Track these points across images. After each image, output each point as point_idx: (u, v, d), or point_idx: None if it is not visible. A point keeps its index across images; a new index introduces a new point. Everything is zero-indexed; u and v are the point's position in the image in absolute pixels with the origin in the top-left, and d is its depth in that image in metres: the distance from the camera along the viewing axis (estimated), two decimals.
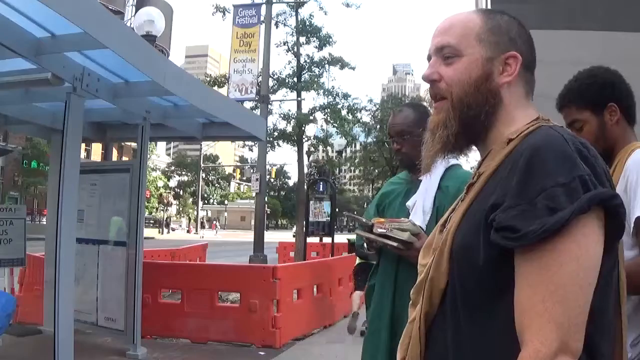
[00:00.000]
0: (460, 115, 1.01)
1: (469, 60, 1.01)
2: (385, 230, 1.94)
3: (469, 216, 0.94)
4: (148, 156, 9.53)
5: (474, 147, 1.08)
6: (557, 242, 0.80)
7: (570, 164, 0.83)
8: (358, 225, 2.17)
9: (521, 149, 0.90)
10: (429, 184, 2.18)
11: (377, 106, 28.87)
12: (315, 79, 17.68)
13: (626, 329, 0.96)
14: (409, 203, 2.20)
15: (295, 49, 17.71)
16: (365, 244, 2.21)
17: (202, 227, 54.69)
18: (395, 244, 1.91)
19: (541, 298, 0.80)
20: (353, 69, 18.33)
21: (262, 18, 16.07)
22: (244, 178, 62.23)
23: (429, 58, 1.06)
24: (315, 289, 6.86)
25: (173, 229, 53.27)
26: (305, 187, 17.25)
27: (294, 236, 20.30)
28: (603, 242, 0.83)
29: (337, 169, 40.75)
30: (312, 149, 22.00)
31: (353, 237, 2.58)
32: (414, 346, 0.99)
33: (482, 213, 0.89)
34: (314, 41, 17.72)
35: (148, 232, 28.46)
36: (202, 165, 56.16)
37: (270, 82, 16.79)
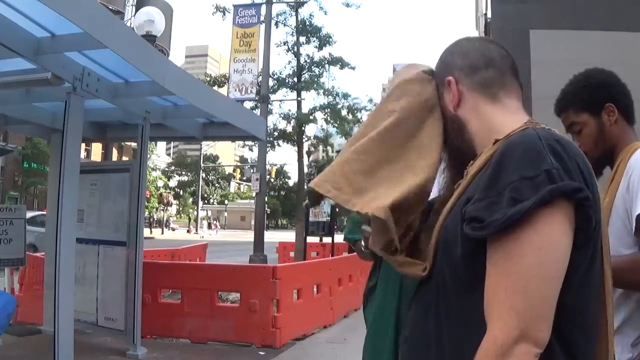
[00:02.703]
0: (449, 156, 1.12)
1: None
2: None
3: (452, 212, 0.97)
4: (148, 156, 9.54)
5: None
6: (520, 232, 0.82)
7: (539, 158, 0.85)
8: (361, 218, 2.13)
9: (498, 147, 0.93)
10: (433, 185, 2.17)
11: None
12: (315, 79, 17.68)
13: (611, 325, 0.97)
14: None
15: (295, 49, 17.71)
16: (362, 242, 2.18)
17: (209, 227, 54.01)
18: None
19: (504, 287, 0.82)
20: (353, 68, 18.33)
21: (262, 18, 16.08)
22: (244, 178, 62.16)
23: None
24: (315, 289, 6.86)
25: (173, 229, 53.23)
26: (305, 187, 17.25)
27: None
28: (571, 235, 0.84)
29: None
30: (312, 149, 22.03)
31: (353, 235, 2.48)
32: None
33: (461, 207, 0.93)
34: (314, 41, 17.72)
35: (148, 232, 28.38)
36: (202, 165, 56.14)
37: (270, 82, 16.79)
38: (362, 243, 2.18)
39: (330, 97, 17.79)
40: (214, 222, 66.58)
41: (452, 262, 0.92)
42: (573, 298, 0.86)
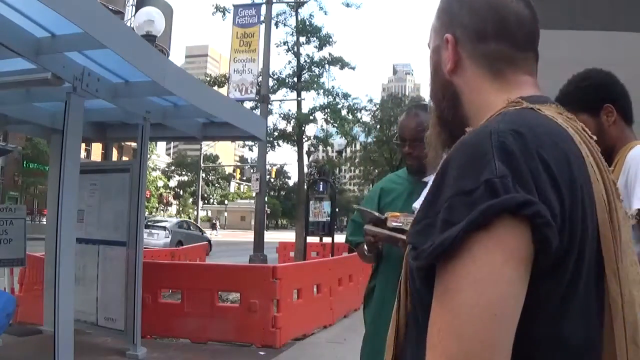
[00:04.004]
0: (434, 113, 0.95)
1: (429, 56, 0.94)
2: (400, 224, 1.88)
3: None
4: (148, 156, 9.53)
5: None
6: (454, 263, 0.66)
7: (481, 165, 0.67)
8: (363, 219, 2.12)
9: None
10: None
11: (377, 106, 28.91)
12: (315, 79, 17.70)
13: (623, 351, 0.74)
14: (415, 204, 2.17)
15: (295, 49, 17.73)
16: (365, 246, 2.17)
17: (213, 228, 53.20)
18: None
19: (438, 327, 0.66)
20: (353, 69, 18.35)
21: (262, 18, 16.07)
22: (244, 178, 62.19)
23: None
24: (315, 289, 6.86)
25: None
26: (305, 187, 17.26)
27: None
28: (522, 261, 0.65)
29: (337, 169, 40.76)
30: (312, 149, 22.01)
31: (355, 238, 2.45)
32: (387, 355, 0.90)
33: None
34: (314, 41, 17.74)
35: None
36: (202, 165, 56.13)
37: (270, 82, 16.80)
38: (365, 246, 2.17)
39: (330, 97, 17.81)
40: (214, 221, 66.62)
41: (416, 289, 0.77)
42: (549, 330, 0.69)
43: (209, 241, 20.90)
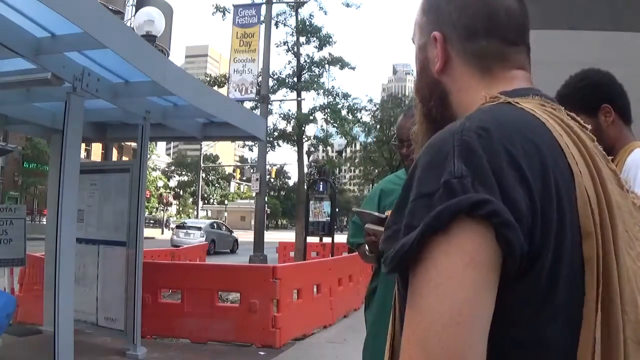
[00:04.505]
0: (420, 110, 0.92)
1: (415, 53, 0.91)
2: None
3: None
4: (148, 156, 9.53)
5: None
6: (417, 268, 0.64)
7: (442, 166, 0.65)
8: (363, 221, 2.11)
9: None
10: None
11: (377, 106, 28.90)
12: (315, 79, 17.72)
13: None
14: None
15: (295, 49, 17.74)
16: (366, 246, 2.17)
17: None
18: None
19: (406, 335, 0.64)
20: (353, 69, 18.36)
21: (262, 18, 16.09)
22: (244, 178, 62.18)
23: None
24: (315, 289, 6.86)
25: (173, 229, 53.12)
26: (305, 187, 17.26)
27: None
28: (486, 264, 0.62)
29: (337, 169, 40.74)
30: (312, 149, 22.01)
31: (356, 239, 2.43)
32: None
33: None
34: (314, 41, 17.75)
35: (148, 232, 28.51)
36: (202, 165, 56.14)
37: (270, 82, 16.82)
38: (366, 247, 2.17)
39: (330, 97, 17.84)
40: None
41: (400, 290, 0.75)
42: (532, 333, 0.66)
43: (236, 240, 23.74)
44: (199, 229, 23.09)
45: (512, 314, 0.64)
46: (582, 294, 0.67)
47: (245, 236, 25.60)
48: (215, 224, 25.42)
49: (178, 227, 24.67)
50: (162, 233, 43.14)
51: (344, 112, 18.17)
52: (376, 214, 2.04)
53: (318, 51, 17.94)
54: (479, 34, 0.82)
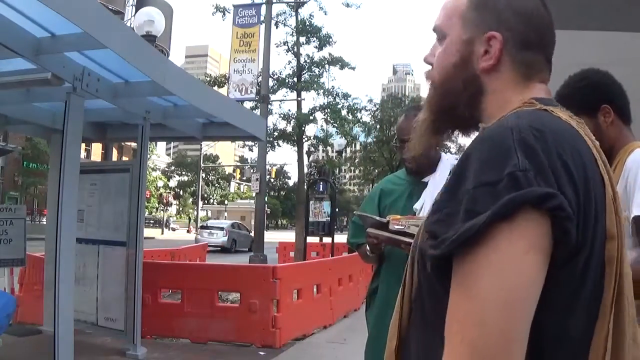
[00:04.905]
0: (438, 102, 0.93)
1: (449, 42, 0.91)
2: (403, 227, 1.88)
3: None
4: (148, 156, 9.54)
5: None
6: (477, 251, 0.68)
7: (504, 158, 0.70)
8: (365, 224, 2.11)
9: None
10: (435, 186, 2.17)
11: (377, 106, 28.92)
12: (315, 79, 17.71)
13: (608, 352, 0.74)
14: (416, 206, 2.17)
15: (295, 49, 17.73)
16: (367, 247, 2.17)
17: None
18: (412, 241, 1.84)
19: (457, 316, 0.69)
20: (353, 69, 18.35)
21: (262, 18, 16.08)
22: (244, 178, 62.05)
23: None
24: (315, 289, 6.86)
25: (174, 229, 53.12)
26: (305, 187, 17.26)
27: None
28: (543, 252, 0.68)
29: (337, 169, 40.72)
30: (312, 149, 22.01)
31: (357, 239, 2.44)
32: (389, 355, 0.92)
33: None
34: (314, 41, 17.74)
35: (148, 232, 28.67)
36: (202, 165, 56.08)
37: (270, 82, 16.81)
38: (367, 247, 2.16)
39: (330, 97, 17.83)
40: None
41: (426, 277, 0.80)
42: (558, 323, 0.72)
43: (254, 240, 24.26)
44: (222, 229, 24.97)
45: (545, 301, 0.69)
46: (600, 290, 0.74)
47: None
48: (235, 225, 27.20)
49: (202, 227, 26.98)
50: (162, 233, 43.18)
51: (344, 112, 18.16)
52: (377, 218, 2.05)
53: (318, 51, 17.96)
54: (532, 45, 0.87)
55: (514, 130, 0.73)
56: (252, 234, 27.43)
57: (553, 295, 0.70)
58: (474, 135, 0.96)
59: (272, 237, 25.99)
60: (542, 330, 0.71)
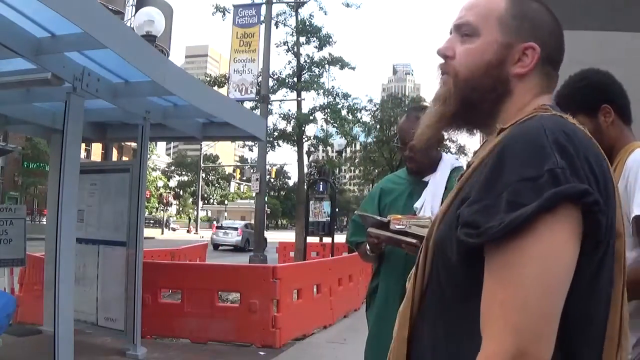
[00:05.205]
0: (461, 96, 0.96)
1: (484, 42, 0.96)
2: (403, 227, 1.88)
3: (448, 211, 0.90)
4: (148, 156, 9.54)
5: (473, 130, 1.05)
6: (520, 240, 0.74)
7: (541, 156, 0.77)
8: (366, 224, 2.11)
9: (500, 140, 0.85)
10: (436, 185, 2.17)
11: (377, 106, 28.91)
12: (315, 79, 17.69)
13: (627, 337, 0.87)
14: (417, 205, 2.17)
15: (295, 49, 17.72)
16: (368, 246, 2.17)
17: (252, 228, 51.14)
18: (414, 240, 1.83)
19: (500, 300, 0.74)
20: (353, 69, 18.34)
21: (262, 18, 16.07)
22: (244, 178, 62.10)
23: (451, 33, 1.03)
24: (315, 289, 6.86)
25: (174, 229, 53.12)
26: (305, 187, 17.26)
27: None
28: (576, 242, 0.76)
29: (337, 169, 40.72)
30: (312, 149, 22.00)
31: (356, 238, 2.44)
32: (399, 343, 0.95)
33: (457, 207, 0.85)
34: (314, 41, 17.73)
35: (148, 232, 28.79)
36: (202, 165, 56.12)
37: (270, 82, 16.79)
38: (367, 247, 2.16)
39: (330, 97, 17.82)
40: (214, 222, 66.32)
41: (449, 267, 0.85)
42: (579, 308, 0.79)
43: (266, 239, 25.64)
44: (236, 229, 26.39)
45: (570, 287, 0.77)
46: (612, 280, 0.84)
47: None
48: (249, 225, 28.03)
49: (218, 227, 28.76)
50: (162, 233, 43.17)
51: (344, 112, 18.14)
52: (378, 217, 2.05)
53: (318, 51, 17.94)
54: (555, 62, 0.98)
55: (547, 131, 0.80)
56: (265, 234, 29.53)
57: (577, 282, 0.77)
58: (475, 135, 1.04)
59: (272, 237, 26.05)
60: (567, 314, 0.76)
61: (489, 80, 0.95)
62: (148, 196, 45.41)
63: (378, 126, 27.81)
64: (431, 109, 1.01)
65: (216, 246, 25.38)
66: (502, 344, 0.72)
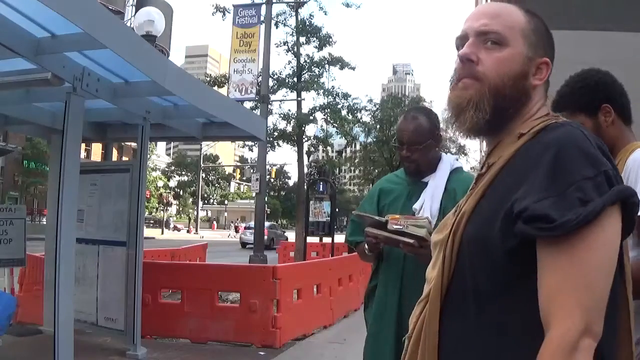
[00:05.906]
0: (494, 104, 1.02)
1: (512, 52, 1.03)
2: (401, 227, 1.88)
3: (481, 207, 0.96)
4: (148, 156, 9.53)
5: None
6: (590, 231, 0.85)
7: (595, 159, 0.89)
8: (364, 224, 2.11)
9: (543, 144, 0.93)
10: (435, 186, 2.16)
11: (377, 106, 28.83)
12: (315, 79, 17.67)
13: (633, 327, 0.99)
14: (416, 206, 2.17)
15: (295, 49, 17.70)
16: (366, 246, 2.17)
17: (236, 231, 48.19)
18: (411, 240, 1.84)
19: (571, 284, 0.84)
20: (353, 69, 18.32)
21: (262, 18, 16.06)
22: (244, 178, 62.12)
23: (464, 38, 1.06)
24: (315, 289, 6.86)
25: (178, 229, 53.04)
26: (305, 187, 17.25)
27: None
28: (621, 235, 0.89)
29: (337, 169, 40.67)
30: (312, 149, 22.00)
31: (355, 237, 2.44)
32: (430, 337, 0.99)
33: (499, 205, 0.92)
34: (314, 41, 17.71)
35: (148, 232, 28.79)
36: (202, 165, 56.13)
37: (270, 82, 16.78)
38: (366, 246, 2.16)
39: (330, 97, 17.79)
40: (213, 222, 66.45)
41: (489, 262, 0.92)
42: (613, 290, 0.91)
43: (287, 238, 27.95)
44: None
45: None
46: (621, 273, 0.95)
47: None
48: (272, 226, 31.10)
49: (246, 228, 31.07)
50: (162, 233, 43.15)
51: (344, 112, 18.13)
52: (376, 217, 2.04)
53: (318, 51, 17.91)
54: (550, 68, 1.08)
55: (589, 137, 0.92)
56: (285, 233, 32.13)
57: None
58: (477, 136, 1.10)
59: None
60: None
61: (516, 89, 1.03)
62: (148, 196, 45.35)
63: (378, 126, 27.75)
64: (458, 114, 1.05)
65: (244, 245, 28.61)
66: (573, 321, 0.82)
